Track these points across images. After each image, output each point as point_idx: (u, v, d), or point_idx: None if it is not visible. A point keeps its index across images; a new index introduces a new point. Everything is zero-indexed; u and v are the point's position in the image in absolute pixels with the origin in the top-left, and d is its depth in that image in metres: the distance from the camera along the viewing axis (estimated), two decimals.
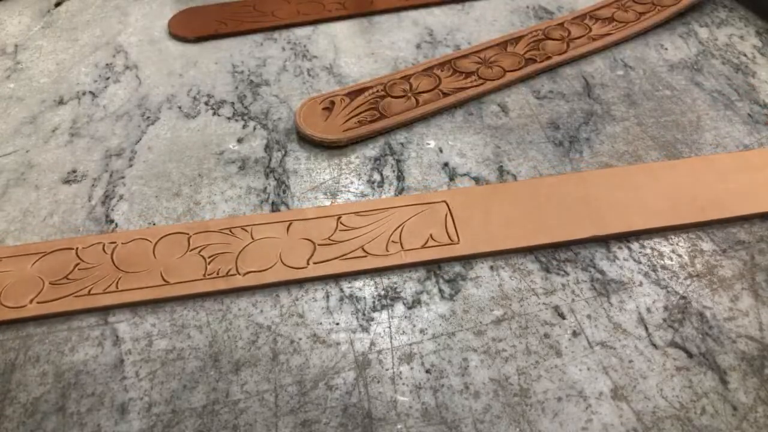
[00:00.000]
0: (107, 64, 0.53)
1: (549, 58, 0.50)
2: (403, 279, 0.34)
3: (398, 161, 0.42)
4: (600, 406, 0.29)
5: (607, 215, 0.37)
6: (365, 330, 0.32)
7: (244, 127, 0.45)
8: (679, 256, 0.36)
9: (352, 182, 0.41)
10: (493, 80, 0.48)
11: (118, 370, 0.30)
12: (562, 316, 0.33)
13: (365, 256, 0.35)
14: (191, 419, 0.28)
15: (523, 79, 0.49)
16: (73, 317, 0.33)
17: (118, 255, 0.35)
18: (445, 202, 0.38)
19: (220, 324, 0.32)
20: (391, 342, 0.32)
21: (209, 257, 0.35)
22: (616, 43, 0.53)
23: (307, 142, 0.44)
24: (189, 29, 0.56)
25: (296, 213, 0.37)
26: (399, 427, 0.28)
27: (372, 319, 0.33)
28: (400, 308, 0.33)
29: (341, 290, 0.34)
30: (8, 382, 0.30)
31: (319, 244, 0.35)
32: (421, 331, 0.32)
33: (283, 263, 0.34)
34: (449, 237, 0.36)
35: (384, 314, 0.33)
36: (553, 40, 0.53)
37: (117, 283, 0.33)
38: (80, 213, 0.39)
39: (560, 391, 0.29)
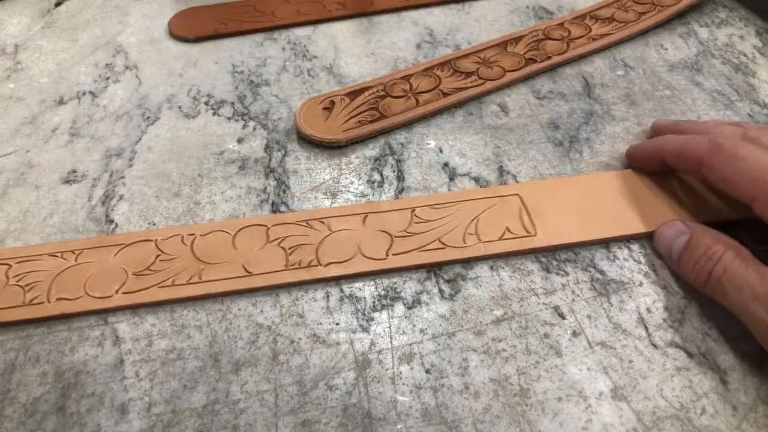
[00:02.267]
0: (107, 64, 0.53)
1: (549, 58, 0.50)
2: (402, 279, 0.34)
3: (398, 161, 0.42)
4: (600, 406, 0.29)
5: (682, 207, 0.37)
6: (365, 330, 0.32)
7: (244, 127, 0.45)
8: None
9: (352, 182, 0.41)
10: (493, 80, 0.48)
11: (118, 370, 0.30)
12: (562, 316, 0.33)
13: (443, 248, 0.35)
14: (191, 419, 0.28)
15: (523, 79, 0.49)
16: (74, 318, 0.33)
17: (198, 247, 0.35)
18: (517, 195, 0.38)
19: (220, 324, 0.32)
20: (391, 342, 0.32)
21: (289, 249, 0.35)
22: (616, 43, 0.53)
23: (307, 142, 0.44)
24: (189, 29, 0.56)
25: (371, 206, 0.38)
26: (399, 427, 0.28)
27: (372, 319, 0.33)
28: (400, 308, 0.33)
29: (341, 290, 0.34)
30: (8, 382, 0.30)
31: (396, 236, 0.35)
32: (421, 331, 0.32)
33: (362, 255, 0.34)
34: (526, 229, 0.36)
35: (384, 314, 0.33)
36: (553, 40, 0.53)
37: (200, 274, 0.33)
38: (80, 213, 0.39)
39: (560, 391, 0.29)
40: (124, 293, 0.33)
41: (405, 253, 0.34)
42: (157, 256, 0.34)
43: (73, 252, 0.35)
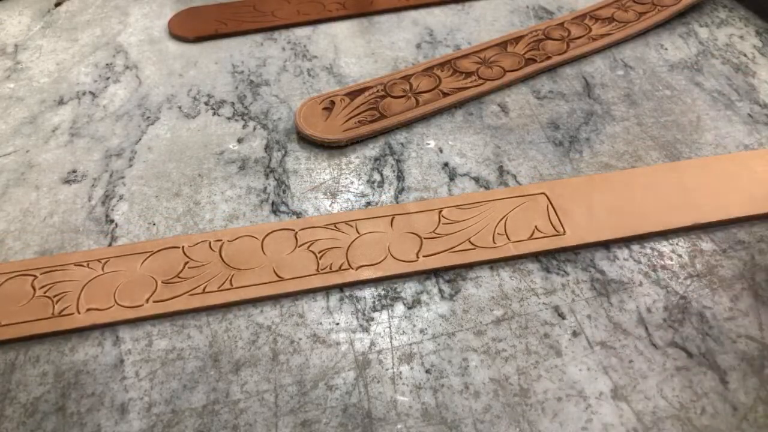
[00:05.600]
0: (107, 64, 0.52)
1: (549, 58, 0.50)
2: (403, 279, 0.34)
3: (398, 161, 0.42)
4: (600, 406, 0.29)
5: (705, 203, 0.37)
6: (365, 330, 0.32)
7: (244, 127, 0.45)
8: (679, 256, 0.36)
9: (352, 182, 0.41)
10: (493, 80, 0.48)
11: (118, 370, 0.30)
12: (562, 316, 0.33)
13: (474, 249, 0.35)
14: (191, 419, 0.28)
15: (523, 79, 0.49)
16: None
17: (226, 252, 0.34)
18: (544, 194, 0.38)
19: (220, 324, 0.32)
20: (391, 342, 0.32)
21: (319, 252, 0.34)
22: (616, 43, 0.53)
23: (308, 142, 0.44)
24: (189, 29, 0.56)
25: (398, 208, 0.37)
26: (399, 427, 0.28)
27: (372, 319, 0.33)
28: (400, 308, 0.33)
29: (341, 290, 0.34)
30: (8, 382, 0.30)
31: (425, 238, 0.35)
32: (421, 331, 0.32)
33: (393, 257, 0.34)
34: (554, 228, 0.36)
35: (384, 314, 0.33)
36: (553, 40, 0.53)
37: (231, 280, 0.33)
38: (80, 213, 0.39)
39: (560, 391, 0.29)
40: (154, 302, 0.32)
41: (435, 255, 0.34)
42: (186, 263, 0.34)
43: (99, 261, 0.34)
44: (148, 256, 0.34)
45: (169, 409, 0.29)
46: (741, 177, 0.39)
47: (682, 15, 0.57)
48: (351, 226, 0.36)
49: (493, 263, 0.35)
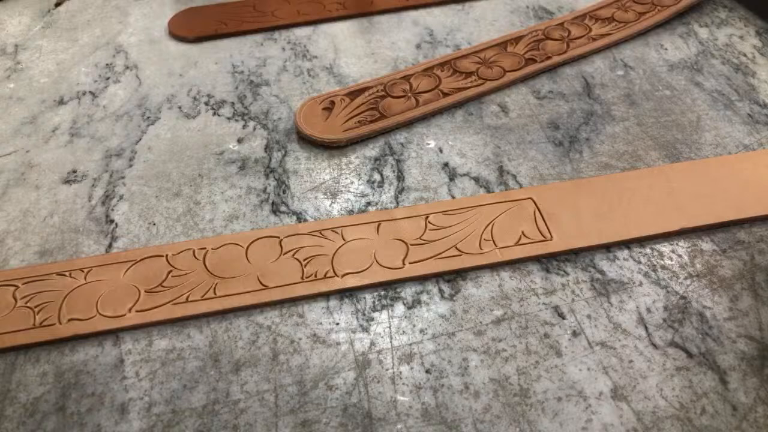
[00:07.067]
0: (107, 64, 0.53)
1: (549, 58, 0.50)
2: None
3: (398, 161, 0.42)
4: (600, 406, 0.29)
5: (694, 208, 0.37)
6: (365, 330, 0.32)
7: (244, 127, 0.45)
8: (679, 256, 0.36)
9: (352, 182, 0.41)
10: (493, 80, 0.48)
11: (118, 370, 0.30)
12: (562, 316, 0.33)
13: (460, 255, 0.34)
14: (191, 419, 0.28)
15: (523, 79, 0.49)
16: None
17: (210, 261, 0.34)
18: (531, 198, 0.38)
19: (220, 324, 0.32)
20: (391, 342, 0.32)
21: (304, 260, 0.34)
22: (616, 43, 0.53)
23: (307, 142, 0.44)
24: (189, 29, 0.56)
25: (384, 214, 0.37)
26: (399, 427, 0.28)
27: (372, 319, 0.33)
28: (400, 308, 0.33)
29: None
30: (8, 382, 0.30)
31: (411, 244, 0.35)
32: (421, 331, 0.32)
33: (379, 264, 0.34)
34: (541, 234, 0.36)
35: (384, 314, 0.33)
36: (553, 40, 0.53)
37: (214, 289, 0.33)
38: (80, 213, 0.39)
39: (560, 391, 0.29)
40: (137, 311, 0.32)
41: (422, 261, 0.34)
42: (169, 272, 0.34)
43: (82, 270, 0.34)
44: (132, 265, 0.34)
45: (169, 409, 0.29)
46: (730, 180, 0.39)
47: (682, 15, 0.57)
48: (337, 233, 0.36)
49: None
